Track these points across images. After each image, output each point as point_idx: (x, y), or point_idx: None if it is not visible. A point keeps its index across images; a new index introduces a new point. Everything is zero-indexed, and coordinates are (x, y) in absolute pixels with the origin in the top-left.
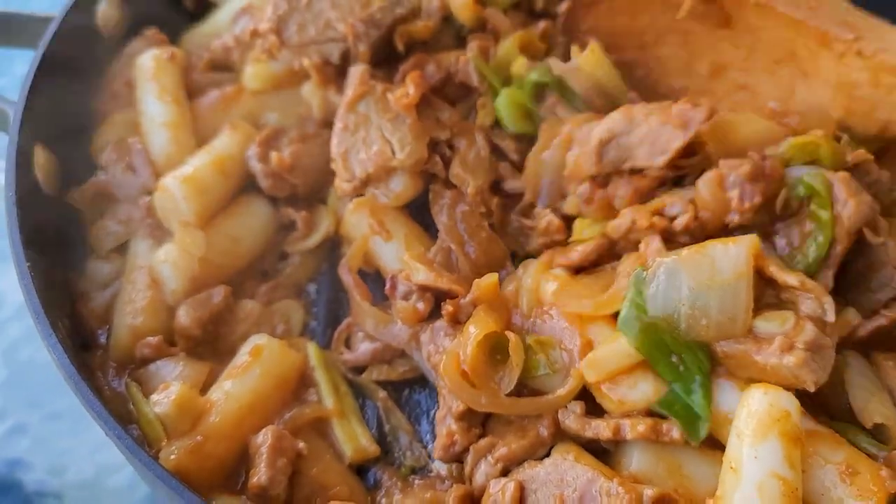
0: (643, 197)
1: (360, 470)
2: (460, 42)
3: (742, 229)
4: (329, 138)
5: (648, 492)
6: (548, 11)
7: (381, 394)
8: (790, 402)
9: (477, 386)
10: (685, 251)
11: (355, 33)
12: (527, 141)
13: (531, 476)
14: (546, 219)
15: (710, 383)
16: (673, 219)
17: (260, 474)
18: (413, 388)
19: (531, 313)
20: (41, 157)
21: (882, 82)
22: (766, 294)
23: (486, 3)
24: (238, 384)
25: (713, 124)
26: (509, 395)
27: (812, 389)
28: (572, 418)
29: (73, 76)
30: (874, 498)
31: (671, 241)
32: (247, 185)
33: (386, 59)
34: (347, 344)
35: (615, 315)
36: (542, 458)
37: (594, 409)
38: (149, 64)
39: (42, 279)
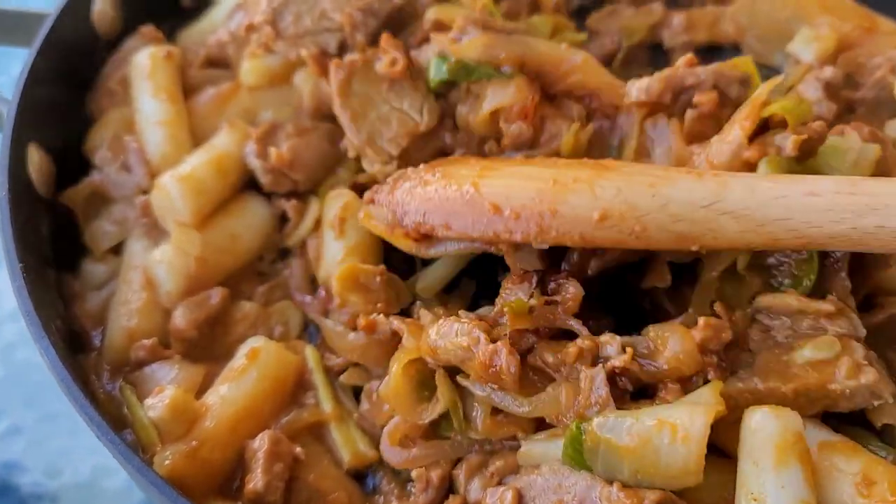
0: None
1: (359, 475)
2: None
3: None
4: (327, 131)
5: (650, 496)
6: None
7: None
8: (799, 422)
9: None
10: (626, 432)
11: (352, 23)
12: None
13: (528, 483)
14: None
15: None
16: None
17: (256, 480)
18: None
19: None
20: (35, 157)
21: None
22: (798, 324)
23: None
24: (234, 388)
25: None
26: None
27: (892, 401)
28: None
29: (68, 74)
30: None
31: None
32: (244, 184)
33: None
34: None
35: None
36: (538, 465)
37: None
38: (144, 62)
39: (35, 280)
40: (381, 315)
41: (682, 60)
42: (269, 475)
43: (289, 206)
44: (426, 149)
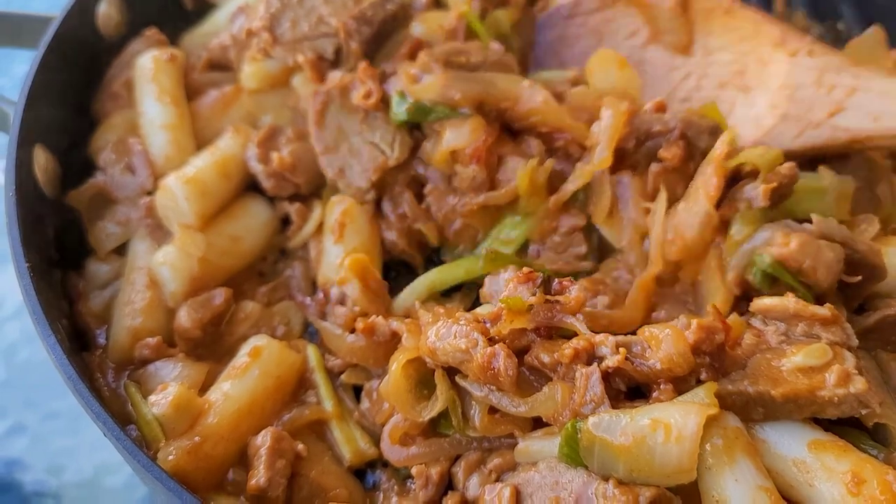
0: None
1: (359, 472)
2: None
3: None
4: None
5: (645, 493)
6: None
7: None
8: (736, 420)
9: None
10: (621, 431)
11: (347, 30)
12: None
13: (526, 480)
14: None
15: None
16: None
17: (259, 476)
18: None
19: None
20: (41, 158)
21: (825, 82)
22: (792, 329)
23: None
24: (237, 385)
25: None
26: None
27: (879, 411)
28: None
29: (73, 77)
30: None
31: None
32: (246, 186)
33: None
34: None
35: None
36: (535, 462)
37: None
38: (148, 65)
39: (41, 279)
40: (380, 317)
41: (651, 104)
42: (272, 471)
43: (292, 209)
44: (399, 179)
